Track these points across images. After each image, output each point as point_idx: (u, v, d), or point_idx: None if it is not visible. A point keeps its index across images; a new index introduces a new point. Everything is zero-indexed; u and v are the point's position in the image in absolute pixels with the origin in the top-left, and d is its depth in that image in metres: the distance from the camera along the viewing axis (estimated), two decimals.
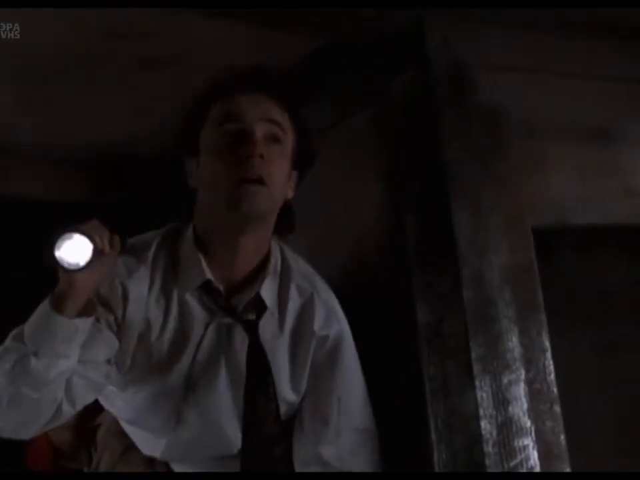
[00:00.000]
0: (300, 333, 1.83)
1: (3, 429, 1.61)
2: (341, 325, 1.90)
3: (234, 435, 1.79)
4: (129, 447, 1.95)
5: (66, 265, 1.46)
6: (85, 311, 1.54)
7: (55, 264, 1.46)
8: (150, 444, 1.90)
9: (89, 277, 1.50)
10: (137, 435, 1.92)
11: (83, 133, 2.98)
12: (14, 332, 1.59)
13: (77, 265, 1.47)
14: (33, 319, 1.55)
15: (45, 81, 2.55)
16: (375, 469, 1.88)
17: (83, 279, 1.49)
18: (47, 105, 2.75)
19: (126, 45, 2.36)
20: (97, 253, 1.47)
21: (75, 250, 1.47)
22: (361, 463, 1.85)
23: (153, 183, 2.87)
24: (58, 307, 1.50)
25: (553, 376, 2.24)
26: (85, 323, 1.54)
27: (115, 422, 1.95)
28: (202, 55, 2.26)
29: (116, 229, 1.57)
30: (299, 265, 1.87)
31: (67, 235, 1.46)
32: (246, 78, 1.72)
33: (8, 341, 1.58)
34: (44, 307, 1.53)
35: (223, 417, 1.79)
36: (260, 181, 1.64)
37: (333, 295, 1.91)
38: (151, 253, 1.75)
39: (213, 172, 1.66)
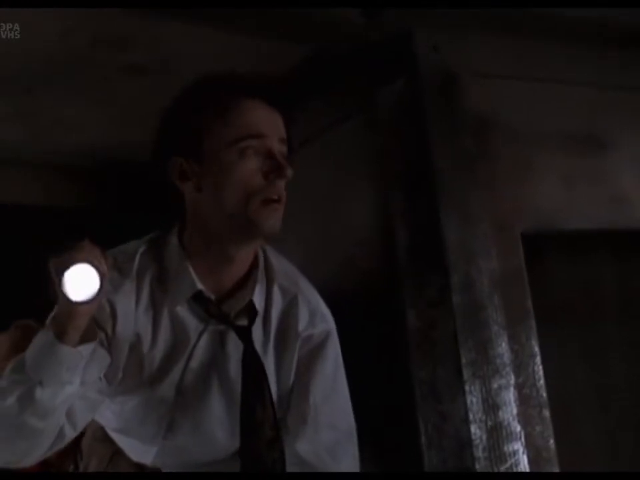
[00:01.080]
0: (285, 335, 1.82)
1: (8, 462, 1.62)
2: (326, 324, 1.88)
3: (226, 440, 1.79)
4: (117, 452, 1.93)
5: (79, 299, 1.44)
6: (86, 337, 1.53)
7: (66, 299, 1.44)
8: (140, 451, 1.89)
9: (90, 303, 1.50)
10: (125, 443, 1.90)
11: (72, 139, 2.98)
12: (12, 364, 1.57)
13: (92, 295, 1.45)
14: (35, 349, 1.52)
15: (34, 89, 2.56)
16: (352, 468, 1.88)
17: (85, 306, 1.48)
18: (36, 112, 2.76)
19: (114, 54, 2.38)
20: (102, 278, 1.47)
21: (80, 281, 1.44)
22: (338, 461, 1.84)
23: (142, 189, 2.87)
24: (61, 336, 1.49)
25: (542, 381, 2.26)
26: (88, 349, 1.53)
27: (101, 428, 1.93)
28: (189, 63, 2.27)
29: (102, 240, 1.57)
30: (282, 265, 1.86)
31: (69, 268, 1.45)
32: (256, 88, 1.71)
33: (7, 374, 1.55)
34: (45, 337, 1.51)
35: (215, 423, 1.79)
36: (279, 201, 1.65)
37: (317, 293, 1.89)
38: (135, 265, 1.72)
39: (230, 187, 1.62)
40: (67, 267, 1.44)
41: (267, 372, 1.77)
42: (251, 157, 1.62)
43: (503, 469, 2.11)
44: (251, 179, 1.61)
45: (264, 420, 1.73)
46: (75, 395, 1.57)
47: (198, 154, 1.64)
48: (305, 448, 1.80)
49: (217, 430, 1.79)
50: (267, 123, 1.65)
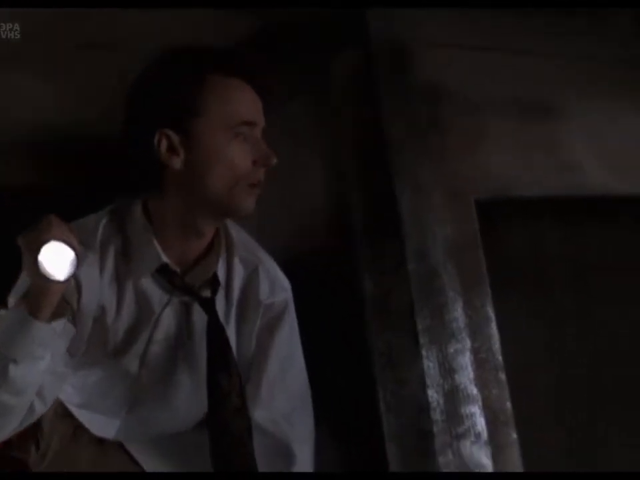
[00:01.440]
0: (246, 305, 1.85)
1: None
2: (285, 293, 1.92)
3: (191, 411, 1.82)
4: (78, 427, 1.94)
5: (60, 278, 1.46)
6: (57, 312, 1.55)
7: (42, 278, 1.45)
8: (102, 426, 1.90)
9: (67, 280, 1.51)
10: (87, 418, 1.91)
11: (30, 117, 2.96)
12: None
13: (69, 272, 1.46)
14: (7, 327, 1.53)
15: None
16: (308, 433, 1.91)
17: (60, 283, 1.49)
18: None
19: (68, 29, 2.36)
20: (77, 254, 1.47)
21: (55, 258, 1.45)
22: (294, 427, 1.88)
23: (98, 165, 2.86)
24: (35, 313, 1.50)
25: (498, 345, 2.31)
26: (60, 324, 1.55)
27: (61, 405, 1.94)
28: (139, 38, 2.27)
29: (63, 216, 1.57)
30: (241, 237, 1.89)
31: (43, 246, 1.45)
32: (250, 72, 1.73)
33: None
34: (18, 314, 1.52)
35: (180, 394, 1.81)
36: (259, 185, 1.69)
37: (276, 264, 1.94)
38: (97, 237, 1.73)
39: (219, 169, 1.64)
40: (40, 245, 1.45)
41: (230, 341, 1.80)
42: (242, 143, 1.66)
43: (460, 431, 2.15)
44: (240, 164, 1.65)
45: (230, 389, 1.76)
46: (47, 370, 1.58)
47: (189, 130, 1.65)
48: (262, 415, 1.84)
49: (182, 401, 1.81)
50: (257, 110, 1.70)
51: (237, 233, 1.87)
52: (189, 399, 1.81)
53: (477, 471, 2.17)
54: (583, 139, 2.72)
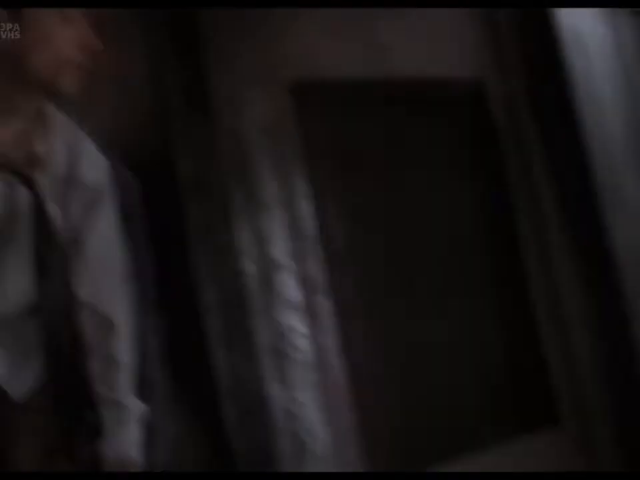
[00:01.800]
0: (68, 183, 1.87)
1: None
2: (105, 173, 1.96)
3: (19, 294, 1.83)
4: None
5: None
6: None
7: None
8: None
9: None
10: None
11: None
12: None
13: None
14: None
15: None
16: (130, 308, 1.99)
17: None
18: None
19: None
20: None
21: None
22: (117, 303, 1.95)
23: None
24: None
25: (310, 217, 2.44)
26: None
27: None
28: None
29: None
30: (62, 118, 1.91)
31: None
32: None
33: None
34: None
35: (7, 276, 1.82)
36: (83, 69, 1.68)
37: (95, 145, 1.97)
38: None
39: (47, 51, 1.62)
40: None
41: (54, 220, 1.82)
42: (70, 27, 1.65)
43: (275, 298, 2.28)
44: (66, 48, 1.64)
45: (56, 268, 1.79)
46: None
47: (16, 7, 1.62)
48: (86, 291, 1.87)
49: (10, 283, 1.82)
50: None
51: (59, 115, 1.88)
52: (16, 280, 1.82)
53: (293, 335, 2.32)
54: (394, 23, 2.82)
